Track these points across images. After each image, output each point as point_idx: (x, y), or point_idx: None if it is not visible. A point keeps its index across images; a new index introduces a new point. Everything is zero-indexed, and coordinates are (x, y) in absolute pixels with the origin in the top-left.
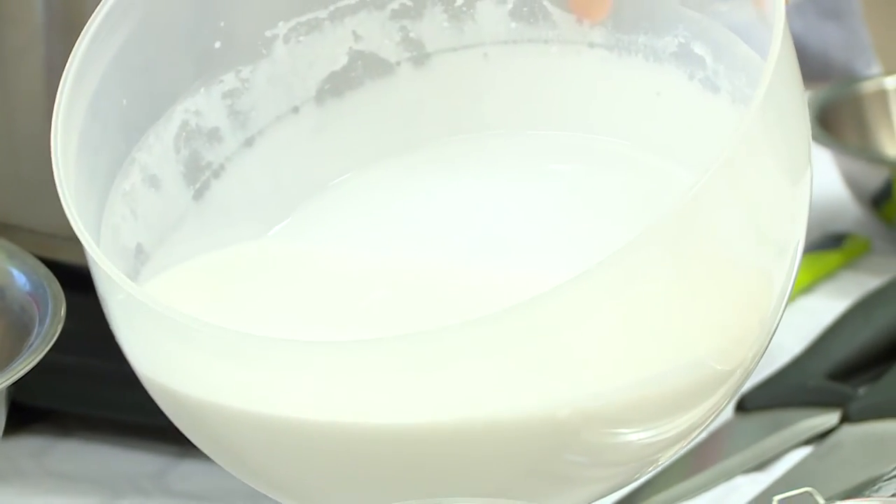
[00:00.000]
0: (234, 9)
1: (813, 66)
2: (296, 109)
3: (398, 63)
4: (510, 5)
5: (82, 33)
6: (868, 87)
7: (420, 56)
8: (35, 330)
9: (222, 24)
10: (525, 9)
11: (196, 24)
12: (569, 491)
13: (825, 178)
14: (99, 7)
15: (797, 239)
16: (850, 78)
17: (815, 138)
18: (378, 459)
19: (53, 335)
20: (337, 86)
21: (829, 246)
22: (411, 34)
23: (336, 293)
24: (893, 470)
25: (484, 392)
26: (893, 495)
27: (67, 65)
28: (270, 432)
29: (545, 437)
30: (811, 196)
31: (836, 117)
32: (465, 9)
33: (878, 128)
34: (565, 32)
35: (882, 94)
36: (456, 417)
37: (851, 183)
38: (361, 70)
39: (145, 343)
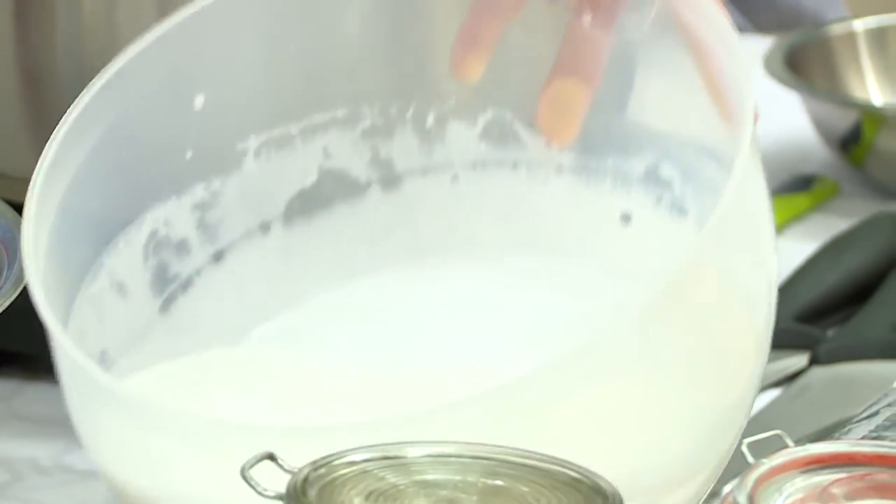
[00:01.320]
0: (207, 119)
1: (784, 15)
2: (264, 226)
3: (368, 184)
4: (480, 127)
5: (55, 131)
6: (836, 29)
7: (390, 176)
8: (4, 274)
9: (194, 133)
10: (495, 130)
11: (168, 131)
12: None
13: (794, 121)
14: (70, 108)
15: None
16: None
17: (783, 81)
18: None
19: (22, 279)
20: (305, 204)
21: (797, 188)
22: (381, 154)
23: (301, 403)
24: (863, 412)
25: None
26: (863, 437)
27: (39, 161)
28: None
29: None
30: (776, 289)
31: (805, 60)
32: (435, 130)
33: (846, 70)
34: (534, 154)
35: (850, 37)
36: None
37: (820, 126)
38: (331, 188)
39: (112, 438)
